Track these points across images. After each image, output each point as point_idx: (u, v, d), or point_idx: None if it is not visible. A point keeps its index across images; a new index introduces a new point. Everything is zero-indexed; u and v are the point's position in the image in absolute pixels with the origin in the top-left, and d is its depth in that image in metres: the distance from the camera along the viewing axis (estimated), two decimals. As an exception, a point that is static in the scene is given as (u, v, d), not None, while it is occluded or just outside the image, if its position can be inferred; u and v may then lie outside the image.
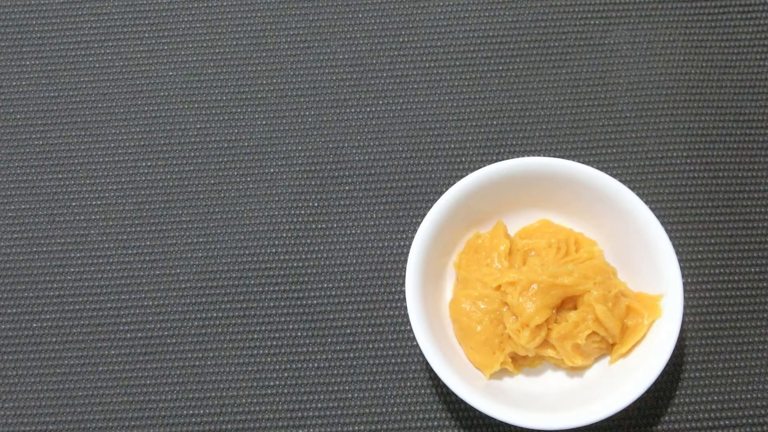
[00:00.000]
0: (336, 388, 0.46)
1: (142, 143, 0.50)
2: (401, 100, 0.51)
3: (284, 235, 0.48)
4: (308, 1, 0.53)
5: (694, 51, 0.51)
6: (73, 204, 0.49)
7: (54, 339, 0.47)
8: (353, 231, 0.48)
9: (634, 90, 0.50)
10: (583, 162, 0.48)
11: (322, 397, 0.45)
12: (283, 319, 0.47)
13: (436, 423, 0.45)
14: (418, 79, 0.51)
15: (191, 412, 0.45)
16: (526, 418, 0.40)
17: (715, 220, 0.48)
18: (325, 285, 0.47)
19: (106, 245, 0.48)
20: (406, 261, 0.47)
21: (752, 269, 0.47)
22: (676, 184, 0.49)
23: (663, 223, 0.44)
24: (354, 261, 0.48)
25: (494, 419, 0.44)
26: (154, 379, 0.46)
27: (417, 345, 0.46)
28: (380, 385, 0.46)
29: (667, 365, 0.45)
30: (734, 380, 0.45)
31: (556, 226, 0.46)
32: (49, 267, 0.48)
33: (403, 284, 0.47)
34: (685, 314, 0.46)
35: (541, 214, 0.47)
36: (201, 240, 0.48)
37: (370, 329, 0.47)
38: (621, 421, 0.44)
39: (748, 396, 0.45)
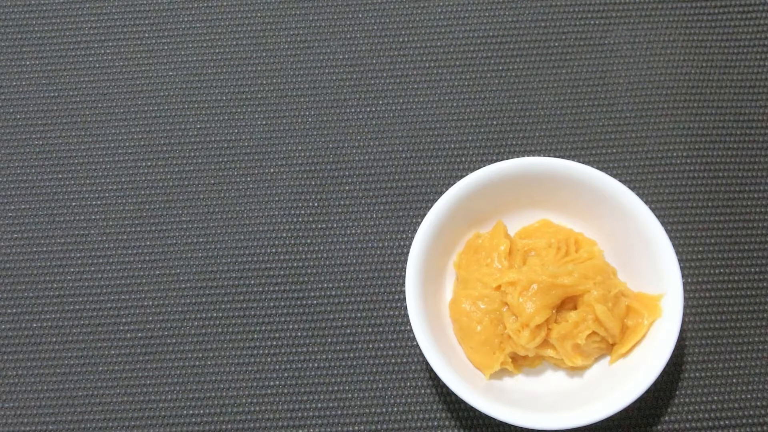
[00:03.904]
0: (336, 388, 0.46)
1: (142, 143, 0.50)
2: (401, 100, 0.51)
3: (284, 235, 0.48)
4: (308, 1, 0.53)
5: (694, 51, 0.51)
6: (73, 204, 0.49)
7: (54, 339, 0.47)
8: (353, 231, 0.48)
9: (634, 90, 0.50)
10: (583, 162, 0.48)
11: (322, 397, 0.45)
12: (283, 319, 0.47)
13: (436, 423, 0.45)
14: (418, 79, 0.51)
15: (191, 412, 0.45)
16: (526, 418, 0.40)
17: (715, 220, 0.48)
18: (325, 285, 0.47)
19: (106, 245, 0.48)
20: (406, 261, 0.47)
21: (752, 269, 0.47)
22: (676, 184, 0.49)
23: (663, 223, 0.44)
24: (354, 261, 0.48)
25: (494, 419, 0.44)
26: (154, 379, 0.46)
27: (417, 345, 0.46)
28: (380, 385, 0.46)
29: (667, 365, 0.45)
30: (734, 380, 0.45)
31: (556, 226, 0.46)
32: (49, 267, 0.48)
33: (403, 284, 0.47)
34: (685, 314, 0.46)
35: (541, 214, 0.47)
36: (201, 240, 0.48)
37: (370, 329, 0.47)
38: (621, 421, 0.44)
39: (748, 396, 0.45)
